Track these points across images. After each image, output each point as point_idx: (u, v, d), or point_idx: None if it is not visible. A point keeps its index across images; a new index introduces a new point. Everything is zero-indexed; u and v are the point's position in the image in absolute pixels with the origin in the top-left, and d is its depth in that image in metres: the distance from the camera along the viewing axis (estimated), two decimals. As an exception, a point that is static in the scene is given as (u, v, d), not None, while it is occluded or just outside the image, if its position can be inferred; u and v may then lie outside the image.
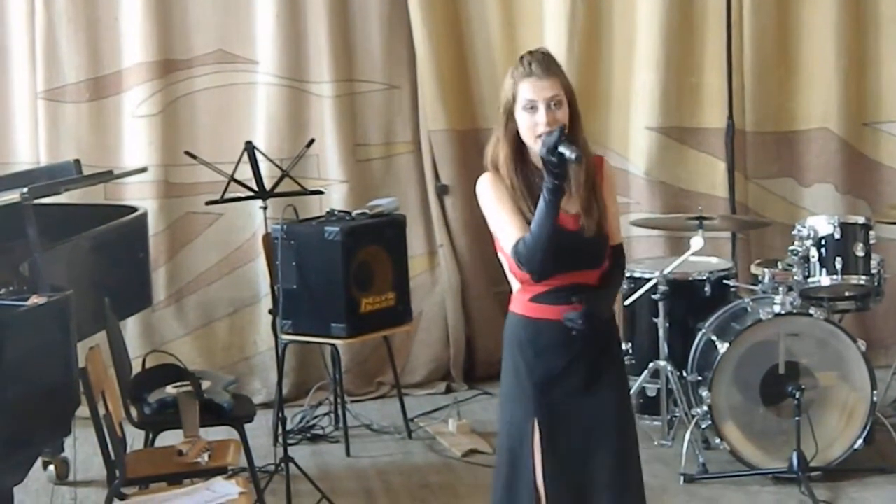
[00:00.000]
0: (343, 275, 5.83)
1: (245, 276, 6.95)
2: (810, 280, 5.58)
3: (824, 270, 5.56)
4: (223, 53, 6.88)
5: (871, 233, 5.61)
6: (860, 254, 5.57)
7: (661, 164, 7.03)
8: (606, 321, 3.65)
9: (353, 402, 6.57)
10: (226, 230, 6.93)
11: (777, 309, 5.43)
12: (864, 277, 5.59)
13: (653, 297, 5.78)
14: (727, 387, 5.45)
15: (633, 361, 5.94)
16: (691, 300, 5.88)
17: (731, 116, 6.95)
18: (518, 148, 3.54)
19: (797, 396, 5.25)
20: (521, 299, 3.62)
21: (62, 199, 5.95)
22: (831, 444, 5.44)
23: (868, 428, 5.43)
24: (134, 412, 4.97)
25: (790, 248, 5.64)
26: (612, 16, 7.03)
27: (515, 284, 3.65)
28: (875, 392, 5.41)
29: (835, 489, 5.33)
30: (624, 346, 5.86)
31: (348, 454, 6.01)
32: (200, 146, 6.50)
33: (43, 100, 6.73)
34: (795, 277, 5.57)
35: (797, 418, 5.25)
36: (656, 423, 5.93)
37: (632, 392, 5.62)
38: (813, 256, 5.58)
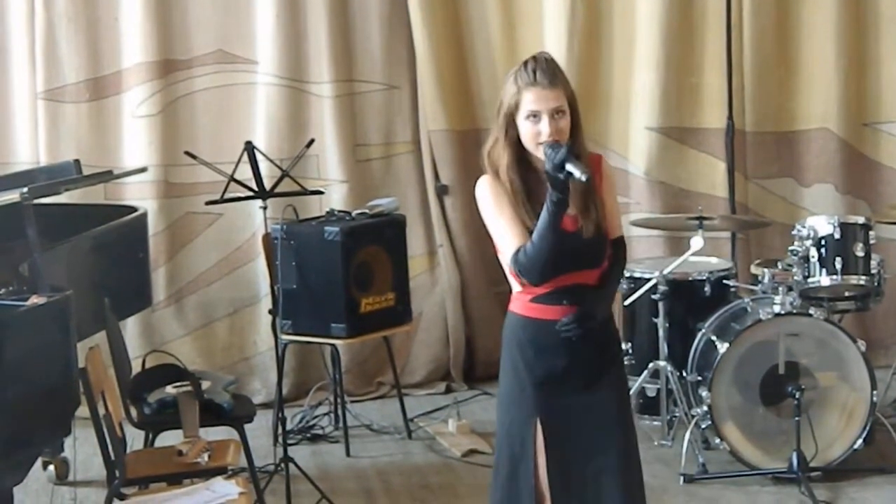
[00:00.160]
0: (343, 275, 5.83)
1: (245, 277, 6.95)
2: (810, 280, 5.58)
3: (824, 270, 5.56)
4: (223, 53, 6.88)
5: (871, 233, 5.62)
6: (860, 254, 5.57)
7: (661, 164, 7.03)
8: (604, 321, 3.64)
9: (352, 402, 6.57)
10: (226, 230, 6.93)
11: (777, 309, 5.43)
12: (863, 277, 5.59)
13: (653, 297, 5.78)
14: (727, 387, 5.45)
15: (633, 361, 5.95)
16: (691, 300, 5.88)
17: (730, 116, 6.95)
18: (519, 153, 3.54)
19: (797, 396, 5.25)
20: (522, 300, 3.62)
21: (62, 199, 5.95)
22: (831, 444, 5.44)
23: (868, 428, 5.43)
24: (134, 412, 4.97)
25: (790, 248, 5.64)
26: (612, 16, 7.03)
27: (516, 285, 3.64)
28: (875, 392, 5.41)
29: (835, 489, 5.33)
30: (624, 346, 5.86)
31: (348, 454, 6.01)
32: (200, 146, 6.50)
33: (43, 100, 6.73)
34: (795, 277, 5.57)
35: (797, 418, 5.25)
36: (656, 423, 5.93)
37: (632, 392, 5.63)
38: (813, 256, 5.58)
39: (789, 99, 7.11)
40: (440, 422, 6.39)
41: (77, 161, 6.10)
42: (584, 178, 3.31)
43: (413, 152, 7.12)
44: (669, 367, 5.79)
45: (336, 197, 6.84)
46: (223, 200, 5.65)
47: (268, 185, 5.74)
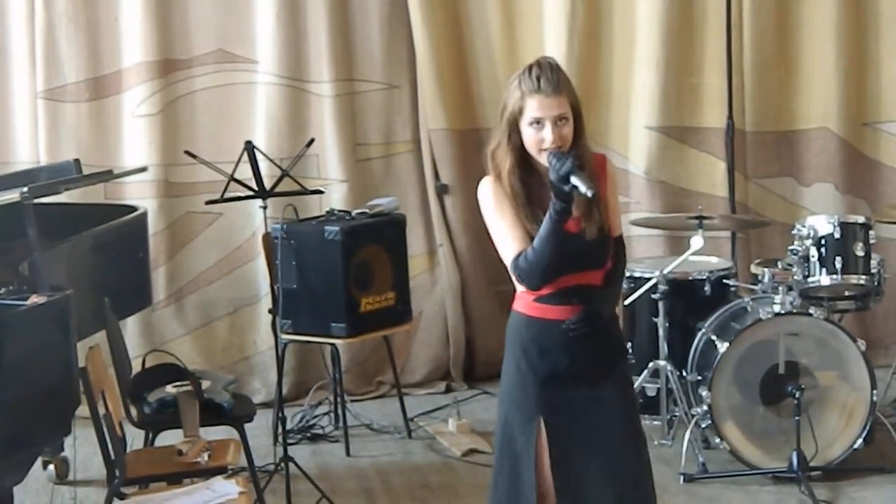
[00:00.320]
0: (343, 274, 5.83)
1: (245, 276, 6.96)
2: (810, 279, 5.58)
3: (824, 270, 5.56)
4: (223, 53, 6.88)
5: (871, 232, 5.62)
6: (860, 253, 5.57)
7: (661, 163, 7.04)
8: (608, 319, 3.65)
9: (352, 401, 6.57)
10: (226, 230, 6.93)
11: (777, 308, 5.44)
12: (863, 277, 5.59)
13: (653, 296, 5.78)
14: (727, 386, 5.45)
15: (633, 361, 5.94)
16: (691, 300, 5.88)
17: (730, 116, 6.95)
18: (522, 157, 3.54)
19: (797, 396, 5.25)
20: (526, 299, 3.63)
21: (62, 198, 5.95)
22: (831, 443, 5.44)
23: (868, 427, 5.43)
24: (134, 412, 4.97)
25: (790, 247, 5.64)
26: (612, 15, 7.03)
27: (519, 285, 3.65)
28: (875, 392, 5.41)
29: (834, 489, 5.33)
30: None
31: (348, 454, 6.01)
32: (200, 146, 6.50)
33: (43, 99, 6.73)
34: (795, 277, 5.57)
35: (797, 418, 5.25)
36: (656, 422, 5.93)
37: (632, 391, 5.62)
38: (813, 256, 5.58)
39: (789, 98, 7.11)
40: (440, 421, 6.39)
41: (77, 160, 6.10)
42: (589, 194, 3.32)
43: (413, 152, 7.12)
44: (669, 367, 5.79)
45: (336, 196, 6.84)
46: (223, 200, 5.65)
47: (268, 184, 5.74)
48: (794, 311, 5.45)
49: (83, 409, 4.41)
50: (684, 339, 5.78)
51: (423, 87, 7.01)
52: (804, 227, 5.65)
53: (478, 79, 7.11)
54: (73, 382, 4.31)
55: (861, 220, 5.66)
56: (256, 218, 6.35)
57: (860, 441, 5.43)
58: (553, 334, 3.57)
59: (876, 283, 5.71)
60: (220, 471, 4.44)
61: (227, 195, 5.62)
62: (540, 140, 3.47)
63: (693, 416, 5.56)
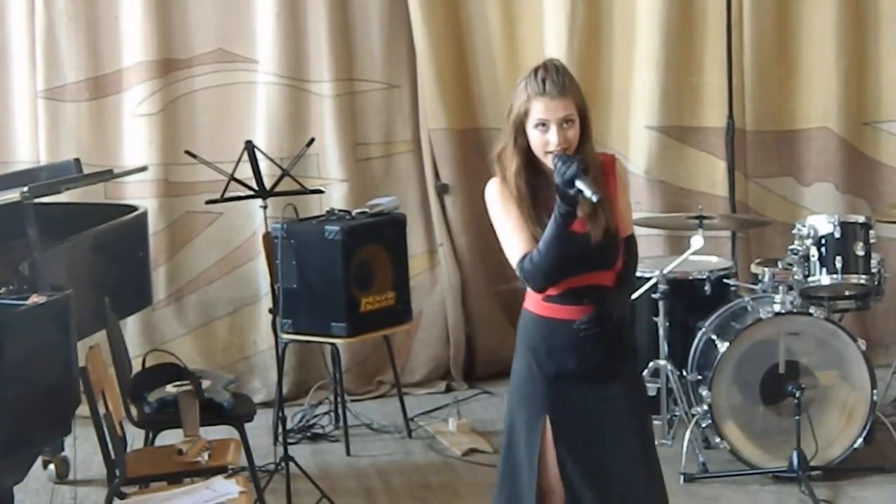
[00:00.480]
0: (343, 274, 5.83)
1: (245, 276, 6.95)
2: (810, 279, 5.58)
3: (824, 269, 5.56)
4: (223, 52, 6.88)
5: (871, 232, 5.62)
6: (860, 253, 5.57)
7: (661, 163, 7.03)
8: (620, 319, 3.64)
9: (353, 401, 6.57)
10: (226, 229, 6.93)
11: (777, 308, 5.44)
12: (864, 276, 5.59)
13: (653, 296, 5.78)
14: (727, 386, 5.45)
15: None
16: (691, 299, 5.88)
17: (731, 115, 6.95)
18: (528, 159, 3.55)
19: (797, 395, 5.26)
20: (535, 298, 3.63)
21: (62, 198, 5.95)
22: (831, 443, 5.44)
23: (868, 427, 5.43)
24: (134, 411, 4.97)
25: (790, 247, 5.64)
26: (612, 15, 7.03)
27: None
28: (875, 391, 5.41)
29: (835, 488, 5.33)
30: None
31: (348, 453, 6.01)
32: (200, 145, 6.50)
33: (43, 99, 6.73)
34: (795, 276, 5.57)
35: (797, 417, 5.26)
36: (656, 422, 5.91)
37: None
38: (813, 255, 5.58)
39: (789, 98, 7.11)
40: (440, 421, 6.39)
41: (77, 160, 6.10)
42: (594, 199, 3.33)
43: (413, 151, 7.12)
44: (670, 366, 5.79)
45: (336, 196, 6.84)
46: (223, 199, 5.65)
47: (268, 184, 5.73)
48: (795, 310, 5.45)
49: (83, 409, 4.41)
50: (684, 339, 5.77)
51: (423, 86, 7.01)
52: (804, 226, 5.64)
53: (478, 78, 7.11)
54: (73, 382, 4.32)
55: (861, 219, 5.66)
56: (256, 217, 6.35)
57: (860, 441, 5.43)
58: (562, 334, 3.58)
59: (876, 283, 5.71)
60: (221, 470, 4.44)
61: (228, 195, 5.62)
62: (545, 142, 3.48)
63: (693, 415, 5.56)
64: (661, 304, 5.77)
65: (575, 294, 3.55)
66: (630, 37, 7.01)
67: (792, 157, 7.15)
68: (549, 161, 3.46)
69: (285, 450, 5.29)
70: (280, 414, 5.43)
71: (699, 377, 5.60)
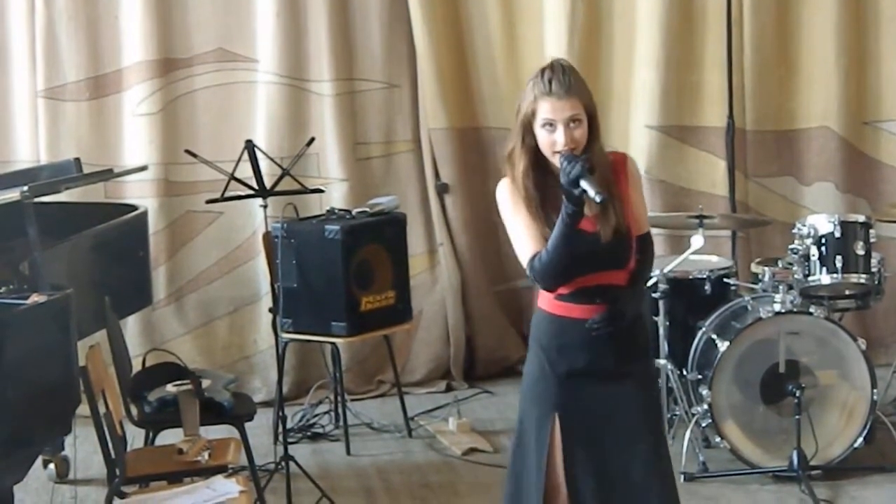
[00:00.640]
0: (343, 273, 5.83)
1: (245, 275, 6.95)
2: (810, 278, 5.57)
3: (824, 269, 5.56)
4: (223, 52, 6.88)
5: (872, 231, 5.61)
6: (860, 252, 5.57)
7: (661, 162, 7.03)
8: (633, 318, 3.65)
9: (353, 400, 6.57)
10: (226, 229, 6.93)
11: (777, 307, 5.44)
12: (864, 276, 5.59)
13: (653, 295, 5.77)
14: (727, 385, 5.45)
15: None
16: (691, 299, 5.87)
17: (731, 115, 6.95)
18: (536, 160, 3.56)
19: (797, 395, 5.26)
20: (548, 296, 3.65)
21: (62, 197, 5.95)
22: (831, 442, 5.44)
23: (868, 426, 5.43)
24: (134, 411, 4.97)
25: (790, 246, 5.64)
26: (613, 14, 7.02)
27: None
28: (875, 390, 5.41)
29: (835, 488, 5.33)
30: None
31: (348, 453, 6.01)
32: (200, 145, 6.50)
33: (43, 98, 6.73)
34: (795, 276, 5.57)
35: (797, 417, 5.26)
36: (656, 421, 5.93)
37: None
38: (813, 255, 5.58)
39: (790, 97, 7.10)
40: (440, 420, 6.39)
41: (77, 159, 6.11)
42: (598, 200, 3.34)
43: (413, 150, 7.12)
44: (670, 366, 5.78)
45: (336, 195, 6.84)
46: (223, 199, 5.65)
47: (268, 183, 5.73)
48: (795, 309, 5.45)
49: (83, 408, 4.41)
50: (685, 338, 5.77)
51: (423, 85, 7.01)
52: (804, 226, 5.64)
53: (478, 77, 7.11)
54: (73, 381, 4.32)
55: (861, 218, 5.66)
56: (257, 217, 6.35)
57: (860, 440, 5.43)
58: (574, 332, 3.59)
59: (876, 282, 5.70)
60: (221, 470, 4.45)
61: (228, 194, 5.62)
62: (552, 142, 3.49)
63: (693, 414, 5.56)
64: (661, 303, 5.77)
65: (586, 293, 3.57)
66: (630, 36, 7.01)
67: (792, 156, 7.15)
68: (557, 161, 3.47)
69: (285, 449, 5.29)
70: (280, 413, 5.43)
71: (699, 376, 5.60)
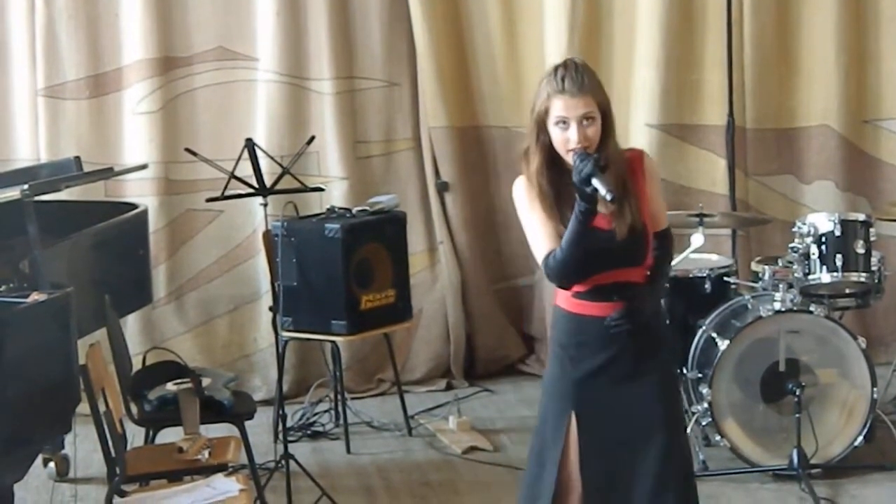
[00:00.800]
0: (343, 272, 5.83)
1: (245, 274, 6.95)
2: (811, 277, 5.57)
3: (825, 267, 5.56)
4: (223, 50, 6.88)
5: (872, 230, 5.61)
6: (860, 251, 5.56)
7: (661, 161, 7.00)
8: (651, 315, 3.65)
9: (353, 398, 6.57)
10: (226, 227, 6.93)
11: (777, 306, 5.44)
12: (864, 274, 5.58)
13: (653, 294, 5.77)
14: (727, 384, 5.45)
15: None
16: (691, 297, 5.86)
17: (731, 113, 6.95)
18: (551, 157, 3.56)
19: (797, 393, 5.26)
20: (566, 294, 3.66)
21: (62, 196, 5.94)
22: (831, 441, 5.44)
23: (868, 425, 5.43)
24: (134, 409, 4.98)
25: (790, 245, 5.64)
26: (613, 12, 7.02)
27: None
28: (875, 389, 5.41)
29: (835, 486, 5.34)
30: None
31: (348, 451, 6.01)
32: (201, 143, 6.50)
33: (43, 97, 6.73)
34: (796, 274, 5.57)
35: (797, 415, 5.26)
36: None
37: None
38: (813, 253, 5.57)
39: (790, 96, 7.10)
40: (440, 419, 6.39)
41: (77, 158, 6.11)
42: (608, 198, 3.35)
43: (413, 149, 7.12)
44: (670, 364, 5.78)
45: (336, 194, 6.84)
46: (224, 197, 5.65)
47: (268, 182, 5.73)
48: (795, 308, 5.45)
49: (83, 407, 4.41)
50: (685, 337, 5.76)
51: (423, 84, 7.01)
52: (804, 224, 5.64)
53: (478, 76, 7.11)
54: (73, 380, 4.32)
55: (861, 217, 5.66)
56: (257, 215, 6.34)
57: (860, 439, 5.43)
58: (592, 330, 3.60)
59: (876, 281, 5.70)
60: (221, 468, 4.45)
61: (228, 193, 5.62)
62: (566, 140, 3.50)
63: (693, 413, 5.56)
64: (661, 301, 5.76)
65: (603, 291, 3.58)
66: (630, 34, 7.00)
67: (792, 154, 7.15)
68: (570, 159, 3.48)
69: (285, 448, 5.29)
70: (280, 412, 5.43)
71: (699, 375, 5.59)
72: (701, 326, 5.65)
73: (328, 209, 6.26)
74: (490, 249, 7.21)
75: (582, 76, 3.51)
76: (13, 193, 4.92)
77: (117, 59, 6.81)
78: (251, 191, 5.66)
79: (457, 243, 7.10)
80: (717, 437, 5.45)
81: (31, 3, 6.68)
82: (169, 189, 6.85)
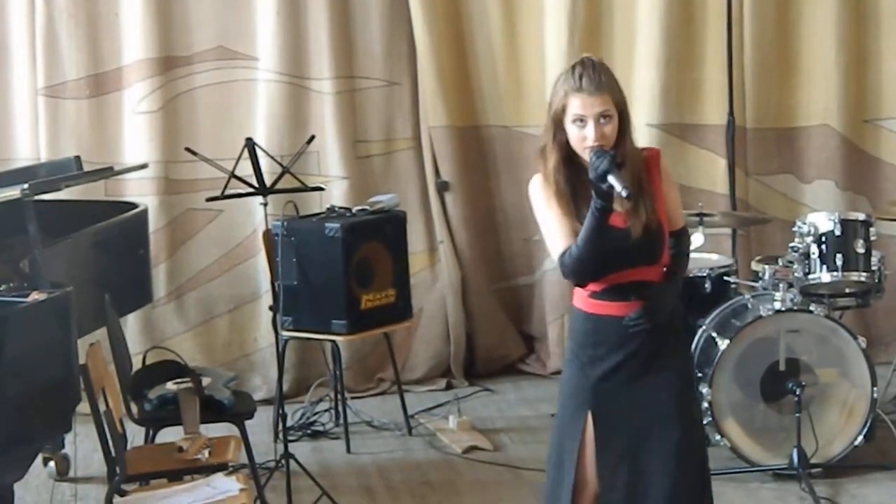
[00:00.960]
0: (343, 271, 5.83)
1: (245, 273, 6.95)
2: (811, 276, 5.57)
3: (825, 267, 5.56)
4: (223, 50, 6.87)
5: (872, 229, 5.61)
6: (860, 250, 5.56)
7: (661, 160, 7.02)
8: (669, 313, 3.66)
9: (353, 398, 6.57)
10: (226, 227, 6.92)
11: (777, 305, 5.44)
12: (864, 274, 5.58)
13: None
14: (727, 383, 5.45)
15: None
16: (692, 297, 5.85)
17: (731, 113, 6.95)
18: (568, 155, 3.57)
19: (797, 393, 5.26)
20: (582, 295, 3.67)
21: (62, 195, 5.94)
22: (831, 440, 5.44)
23: (868, 424, 5.43)
24: (134, 409, 4.98)
25: (790, 244, 5.64)
26: (613, 12, 7.02)
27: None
28: (875, 388, 5.41)
29: (835, 486, 5.33)
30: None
31: (349, 451, 6.01)
32: (201, 143, 6.50)
33: (43, 96, 6.73)
34: (796, 274, 5.57)
35: (797, 415, 5.26)
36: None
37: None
38: (813, 253, 5.57)
39: (790, 95, 7.10)
40: (441, 418, 6.39)
41: (77, 157, 6.11)
42: (624, 195, 3.37)
43: (413, 148, 7.12)
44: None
45: (336, 193, 6.84)
46: (224, 197, 5.65)
47: (268, 181, 5.73)
48: (795, 308, 5.45)
49: (84, 406, 4.41)
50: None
51: (423, 83, 7.01)
52: (805, 223, 5.64)
53: (478, 76, 7.11)
54: (73, 379, 4.32)
55: (862, 216, 5.66)
56: (257, 215, 6.34)
57: (860, 438, 5.43)
58: (609, 330, 3.61)
59: (876, 280, 5.70)
60: (221, 467, 4.45)
61: (228, 192, 5.62)
62: (583, 138, 3.51)
63: (693, 412, 5.55)
64: (661, 301, 5.76)
65: (620, 290, 3.59)
66: (630, 34, 7.00)
67: (792, 154, 7.15)
68: (587, 157, 3.49)
69: (286, 447, 5.29)
70: (280, 411, 5.43)
71: (699, 374, 5.58)
72: (701, 326, 5.65)
73: (328, 208, 6.26)
74: (490, 249, 7.21)
75: (599, 74, 3.54)
76: (13, 193, 4.92)
77: (117, 59, 6.80)
78: (251, 190, 5.66)
79: (457, 243, 7.10)
80: (718, 437, 5.45)
81: (31, 2, 6.68)
82: (169, 188, 6.85)
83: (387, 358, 6.58)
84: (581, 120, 3.51)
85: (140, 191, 6.73)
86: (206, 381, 5.02)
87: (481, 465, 5.78)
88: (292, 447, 5.37)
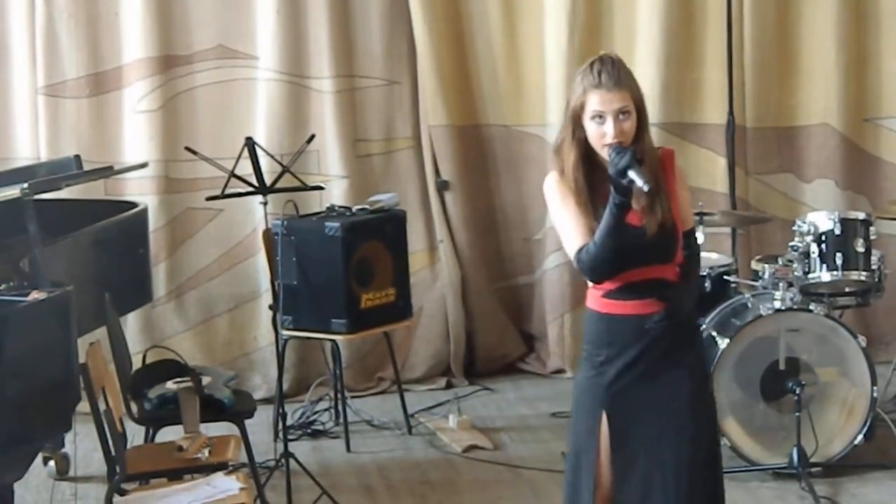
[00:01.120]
0: (343, 270, 5.83)
1: (245, 272, 6.95)
2: (810, 276, 5.57)
3: (824, 266, 5.56)
4: (223, 49, 6.87)
5: (872, 228, 5.62)
6: (860, 249, 5.57)
7: (661, 159, 7.02)
8: (688, 313, 3.67)
9: (353, 397, 6.56)
10: (226, 226, 6.92)
11: (777, 305, 5.43)
12: (864, 273, 5.59)
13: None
14: (727, 382, 5.45)
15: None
16: (692, 296, 5.86)
17: (731, 112, 6.94)
18: (586, 153, 3.57)
19: (797, 392, 5.26)
20: (595, 295, 3.67)
21: (62, 194, 5.93)
22: (831, 439, 5.44)
23: (868, 424, 5.43)
24: (134, 408, 4.98)
25: (790, 243, 5.64)
26: (613, 11, 7.02)
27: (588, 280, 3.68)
28: (875, 388, 5.41)
29: (835, 485, 5.34)
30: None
31: (348, 450, 6.01)
32: (201, 142, 6.50)
33: (43, 95, 6.73)
34: (796, 273, 5.57)
35: (797, 414, 5.26)
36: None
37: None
38: (813, 252, 5.58)
39: (790, 94, 7.10)
40: (440, 417, 6.39)
41: (77, 157, 6.11)
42: (645, 189, 3.37)
43: (413, 148, 7.12)
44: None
45: (336, 192, 6.84)
46: (224, 196, 5.65)
47: (268, 180, 5.73)
48: (795, 307, 5.45)
49: (84, 405, 4.41)
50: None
51: (423, 82, 7.01)
52: (804, 223, 5.64)
53: (478, 75, 7.10)
54: (73, 378, 4.32)
55: (861, 216, 5.66)
56: (257, 214, 6.34)
57: (860, 437, 5.43)
58: (624, 329, 3.61)
59: (876, 280, 5.70)
60: (221, 467, 4.45)
61: (228, 191, 5.62)
62: (602, 134, 3.51)
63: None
64: (661, 300, 5.76)
65: (634, 289, 3.58)
66: (630, 33, 7.00)
67: (792, 153, 7.15)
68: (606, 154, 3.49)
69: (285, 446, 5.29)
70: (280, 410, 5.43)
71: (699, 374, 5.59)
72: (701, 325, 5.64)
73: (328, 208, 6.26)
74: (490, 248, 7.20)
75: (618, 71, 3.54)
76: (13, 192, 4.92)
77: (117, 58, 6.80)
78: (251, 189, 5.66)
79: (457, 242, 7.10)
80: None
81: (31, 2, 6.68)
82: (169, 187, 6.85)
83: (387, 357, 6.58)
84: (600, 116, 3.51)
85: (140, 190, 6.73)
86: (206, 380, 5.02)
87: (481, 464, 5.78)
88: (292, 446, 5.38)
